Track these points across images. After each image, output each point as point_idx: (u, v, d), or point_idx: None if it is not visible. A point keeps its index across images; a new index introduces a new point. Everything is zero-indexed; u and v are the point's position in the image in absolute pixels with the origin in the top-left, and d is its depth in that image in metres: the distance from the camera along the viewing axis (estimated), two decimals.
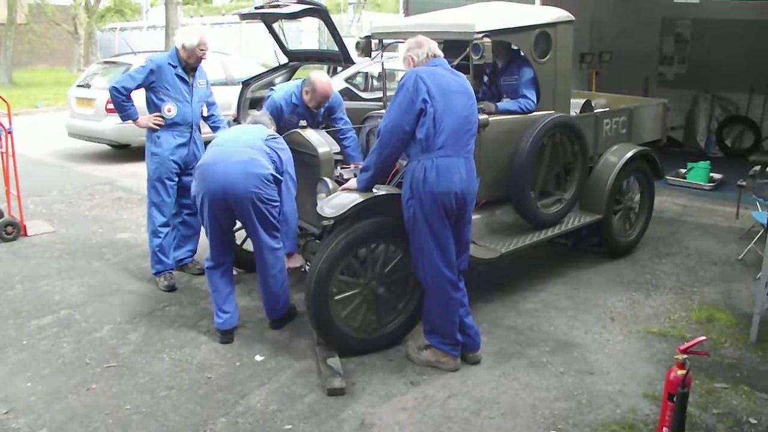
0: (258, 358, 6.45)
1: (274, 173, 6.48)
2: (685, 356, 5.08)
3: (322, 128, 7.99)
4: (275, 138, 6.70)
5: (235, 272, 8.03)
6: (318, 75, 7.81)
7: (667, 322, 7.33)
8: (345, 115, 8.16)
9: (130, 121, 8.00)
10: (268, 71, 12.93)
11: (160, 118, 7.87)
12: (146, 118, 7.91)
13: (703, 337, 5.43)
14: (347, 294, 6.39)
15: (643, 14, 16.61)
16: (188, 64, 7.89)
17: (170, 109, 7.83)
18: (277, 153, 6.54)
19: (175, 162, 7.95)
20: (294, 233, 6.82)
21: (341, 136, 8.06)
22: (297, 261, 6.92)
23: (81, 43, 41.49)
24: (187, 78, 7.96)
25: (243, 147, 6.51)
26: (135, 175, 13.33)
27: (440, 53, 6.19)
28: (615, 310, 7.58)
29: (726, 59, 15.98)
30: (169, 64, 7.86)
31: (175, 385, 6.00)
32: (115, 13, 55.68)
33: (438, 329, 6.20)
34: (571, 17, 8.18)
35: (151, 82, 7.81)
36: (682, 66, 17.67)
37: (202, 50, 7.85)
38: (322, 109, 8.02)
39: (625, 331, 7.08)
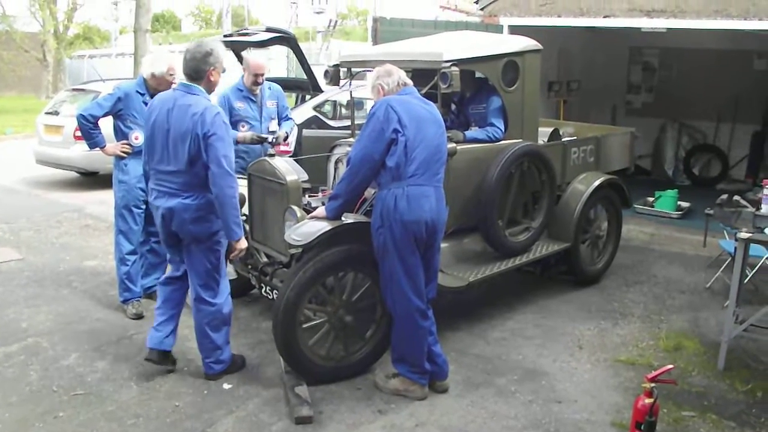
0: (226, 386, 6.40)
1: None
2: (653, 384, 5.10)
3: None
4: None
5: None
6: (249, 53, 8.35)
7: (635, 350, 7.34)
8: (286, 103, 9.36)
9: (98, 149, 7.98)
10: None
11: (128, 146, 7.85)
12: (114, 146, 7.88)
13: (671, 366, 5.46)
14: (315, 322, 6.38)
15: (611, 43, 16.74)
16: (157, 91, 7.86)
17: (138, 137, 7.76)
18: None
19: (142, 189, 7.87)
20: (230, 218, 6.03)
21: (283, 120, 9.10)
22: (243, 243, 6.27)
23: (49, 70, 41.40)
24: None
25: None
26: (103, 202, 13.25)
27: (410, 82, 6.22)
28: (583, 339, 7.59)
29: (693, 88, 16.15)
30: (137, 92, 7.84)
31: (142, 414, 5.95)
32: (84, 41, 55.62)
33: (406, 358, 6.18)
34: (539, 46, 8.22)
35: (118, 110, 7.79)
36: (650, 95, 17.84)
37: (171, 75, 7.80)
38: (275, 107, 8.79)
39: (593, 360, 7.09)
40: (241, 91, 8.66)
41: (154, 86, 7.80)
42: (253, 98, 8.66)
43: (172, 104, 5.89)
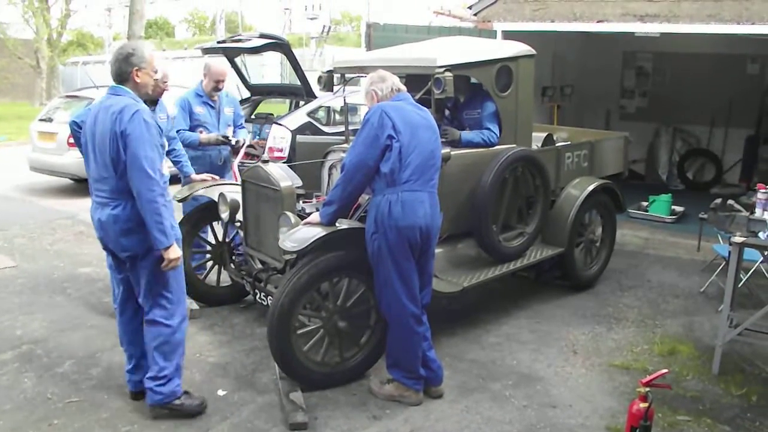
0: (220, 392, 6.39)
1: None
2: (648, 389, 5.10)
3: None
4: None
5: (196, 306, 8.03)
6: (211, 58, 8.34)
7: (630, 354, 7.34)
8: (241, 112, 9.56)
9: None
10: None
11: None
12: None
13: (666, 370, 5.47)
14: (310, 328, 6.38)
15: (605, 48, 16.76)
16: (150, 97, 7.84)
17: None
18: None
19: None
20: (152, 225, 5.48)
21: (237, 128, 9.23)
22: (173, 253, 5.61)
23: (43, 77, 41.33)
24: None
25: None
26: None
27: (403, 87, 6.24)
28: (577, 344, 7.59)
29: (687, 92, 16.19)
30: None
31: (137, 420, 5.93)
32: (78, 47, 55.65)
33: (401, 363, 6.17)
34: (533, 51, 8.24)
35: None
36: (644, 99, 17.86)
37: (164, 83, 7.80)
38: (232, 114, 8.87)
39: (588, 364, 7.09)
40: (201, 96, 8.78)
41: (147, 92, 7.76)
42: (212, 104, 8.74)
43: (99, 108, 5.67)
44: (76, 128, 7.66)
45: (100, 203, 5.71)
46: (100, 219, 5.69)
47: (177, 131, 8.39)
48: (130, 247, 5.66)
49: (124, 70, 5.66)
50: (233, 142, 8.63)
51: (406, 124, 5.88)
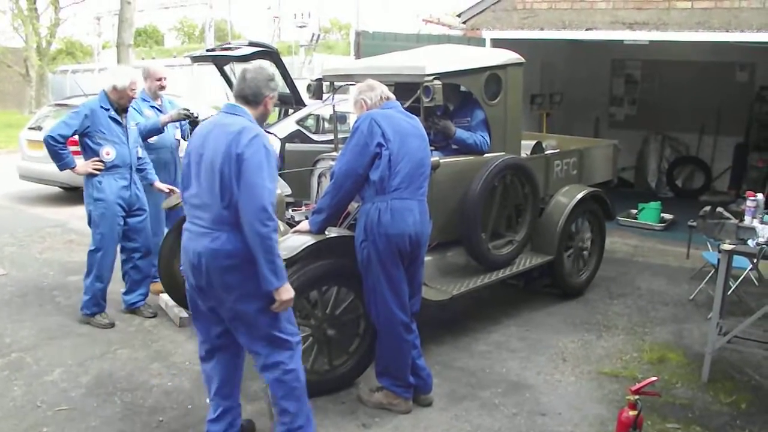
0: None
1: None
2: (637, 397, 5.11)
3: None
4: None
5: (185, 314, 8.01)
6: (147, 60, 8.47)
7: (619, 362, 7.35)
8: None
9: (69, 170, 8.01)
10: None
11: (100, 163, 7.82)
12: (85, 164, 7.84)
13: (655, 378, 5.48)
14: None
15: (594, 56, 16.80)
16: (120, 105, 7.89)
17: (109, 152, 7.81)
18: None
19: (120, 205, 7.95)
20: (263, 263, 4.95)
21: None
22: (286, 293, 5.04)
23: (32, 86, 41.22)
24: (120, 120, 7.95)
25: None
26: (82, 218, 13.21)
27: (393, 96, 6.24)
28: (567, 351, 7.59)
29: (676, 100, 16.22)
30: (101, 107, 7.83)
31: (126, 429, 5.93)
32: (67, 56, 55.53)
33: (390, 371, 6.17)
34: (522, 59, 8.25)
35: (86, 127, 7.75)
36: (633, 107, 17.91)
37: (132, 89, 7.89)
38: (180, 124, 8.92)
39: (577, 372, 7.09)
40: (147, 101, 8.82)
41: (116, 100, 7.85)
42: (159, 108, 8.77)
43: (212, 127, 5.04)
44: (53, 142, 7.65)
45: (197, 233, 5.03)
46: (197, 251, 4.99)
47: (136, 124, 8.35)
48: (236, 285, 4.99)
49: (261, 93, 5.16)
50: (195, 114, 8.66)
51: (396, 132, 5.89)
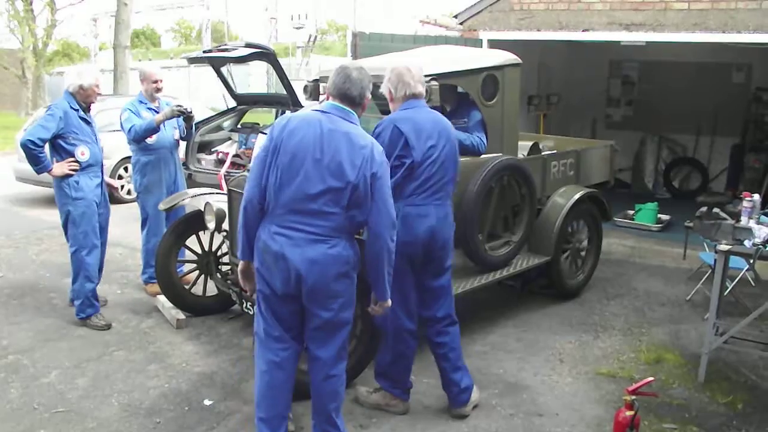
0: (207, 402, 6.38)
1: None
2: (634, 397, 5.11)
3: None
4: None
5: (182, 316, 8.02)
6: (142, 63, 8.52)
7: (616, 363, 7.35)
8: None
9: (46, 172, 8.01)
10: (216, 115, 12.92)
11: (75, 163, 7.88)
12: (60, 165, 7.86)
13: (651, 378, 5.47)
14: None
15: (591, 57, 16.80)
16: (86, 104, 8.03)
17: (84, 152, 7.90)
18: None
19: (96, 203, 8.06)
20: (388, 276, 5.13)
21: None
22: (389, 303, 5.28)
23: (29, 87, 41.18)
24: (88, 119, 8.07)
25: None
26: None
27: (420, 91, 6.07)
28: (564, 352, 7.60)
29: (673, 101, 16.22)
30: (71, 107, 7.89)
31: (123, 431, 5.92)
32: (63, 57, 55.53)
33: (390, 373, 6.18)
34: (519, 60, 8.25)
35: (60, 129, 7.78)
36: (630, 108, 17.91)
37: (97, 88, 8.02)
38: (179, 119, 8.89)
39: (574, 373, 7.10)
40: (144, 103, 8.82)
41: (82, 99, 7.95)
42: (156, 110, 8.76)
43: (320, 128, 4.82)
44: (33, 146, 7.65)
45: (306, 239, 4.79)
46: (309, 257, 4.79)
47: (131, 127, 8.50)
48: (343, 292, 4.96)
49: (365, 94, 5.04)
50: (188, 110, 8.68)
51: (418, 138, 5.79)
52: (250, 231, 4.99)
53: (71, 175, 7.87)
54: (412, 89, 5.98)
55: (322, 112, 4.95)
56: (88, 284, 8.05)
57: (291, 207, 4.80)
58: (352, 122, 4.94)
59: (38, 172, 7.94)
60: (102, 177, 8.21)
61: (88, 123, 8.02)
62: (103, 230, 8.36)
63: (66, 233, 8.13)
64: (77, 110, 7.89)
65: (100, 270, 8.36)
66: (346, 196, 4.76)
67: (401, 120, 5.82)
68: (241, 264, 5.20)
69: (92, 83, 7.89)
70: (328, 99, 5.06)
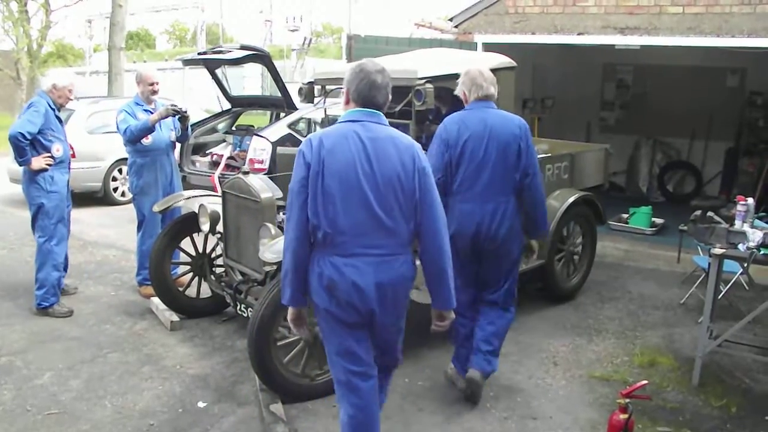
0: (200, 404, 6.37)
1: None
2: (628, 400, 5.12)
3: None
4: None
5: (176, 318, 8.01)
6: (139, 66, 8.67)
7: (610, 366, 7.35)
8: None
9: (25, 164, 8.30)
10: (211, 117, 12.91)
11: (51, 158, 8.25)
12: (37, 159, 8.19)
13: (645, 381, 5.48)
14: (290, 339, 6.36)
15: (585, 60, 16.79)
16: (59, 104, 8.39)
17: (59, 149, 8.32)
18: None
19: (66, 197, 8.49)
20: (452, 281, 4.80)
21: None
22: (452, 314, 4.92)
23: (23, 89, 41.10)
24: (61, 117, 8.50)
25: None
26: (76, 220, 13.14)
27: (491, 92, 6.28)
28: (558, 355, 7.60)
29: (667, 104, 16.22)
30: (49, 105, 8.24)
31: None
32: (58, 59, 55.31)
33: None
34: (513, 63, 8.26)
35: (41, 125, 8.13)
36: (624, 111, 17.94)
37: (70, 91, 8.39)
38: (171, 121, 8.92)
39: (568, 376, 7.10)
40: (140, 105, 8.91)
41: (55, 99, 8.33)
42: (152, 111, 8.78)
43: (360, 140, 4.47)
44: (22, 139, 8.07)
45: (375, 262, 4.47)
46: (384, 281, 4.50)
47: (126, 128, 8.62)
48: (404, 304, 4.79)
49: (388, 99, 4.72)
50: (183, 110, 8.73)
51: (461, 136, 6.01)
52: (302, 271, 4.57)
53: (46, 170, 8.22)
54: (484, 91, 6.21)
55: (353, 121, 4.56)
56: (55, 273, 8.40)
57: (354, 231, 4.43)
58: (386, 125, 4.63)
59: (21, 164, 8.25)
60: (69, 173, 8.61)
61: (61, 121, 8.42)
62: (68, 223, 8.74)
63: (33, 225, 8.49)
64: (54, 109, 8.27)
65: (66, 262, 8.83)
66: (408, 203, 4.48)
67: (453, 119, 6.12)
68: (291, 312, 4.75)
69: (65, 84, 8.29)
70: (347, 104, 4.69)
